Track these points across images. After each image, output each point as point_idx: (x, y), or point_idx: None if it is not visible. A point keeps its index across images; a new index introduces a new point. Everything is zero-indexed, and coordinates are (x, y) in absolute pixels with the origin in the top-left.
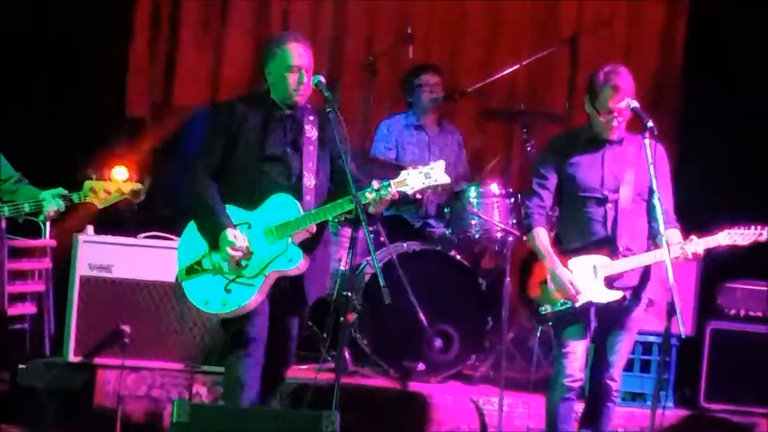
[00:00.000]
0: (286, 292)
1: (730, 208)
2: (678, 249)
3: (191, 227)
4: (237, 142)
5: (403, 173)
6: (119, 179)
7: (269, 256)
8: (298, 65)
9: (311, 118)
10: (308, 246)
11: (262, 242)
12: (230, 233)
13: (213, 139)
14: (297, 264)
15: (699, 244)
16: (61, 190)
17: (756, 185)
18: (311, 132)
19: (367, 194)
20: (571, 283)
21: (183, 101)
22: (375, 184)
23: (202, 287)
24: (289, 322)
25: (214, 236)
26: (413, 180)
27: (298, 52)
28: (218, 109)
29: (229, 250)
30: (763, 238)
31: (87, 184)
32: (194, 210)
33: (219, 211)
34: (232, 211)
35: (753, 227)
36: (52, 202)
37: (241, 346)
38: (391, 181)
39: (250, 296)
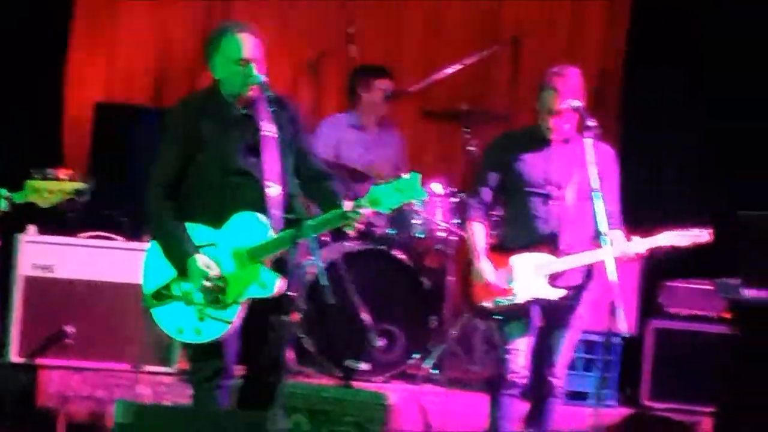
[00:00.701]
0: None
1: (675, 206)
2: (620, 249)
3: (155, 246)
4: (195, 151)
5: (375, 190)
6: (62, 179)
7: (242, 282)
8: (249, 57)
9: (268, 111)
10: (282, 264)
11: (233, 266)
12: (200, 262)
13: (167, 149)
14: (272, 290)
15: (640, 245)
16: (3, 191)
17: (703, 182)
18: (269, 129)
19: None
20: (496, 279)
21: (124, 99)
22: (347, 205)
23: (174, 315)
24: (267, 330)
25: (180, 264)
26: (388, 199)
27: (248, 43)
28: (171, 114)
29: (204, 282)
30: (703, 240)
31: (29, 184)
32: (154, 232)
33: (180, 236)
34: (195, 230)
35: (694, 229)
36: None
37: (210, 379)
38: (363, 200)
39: (225, 328)
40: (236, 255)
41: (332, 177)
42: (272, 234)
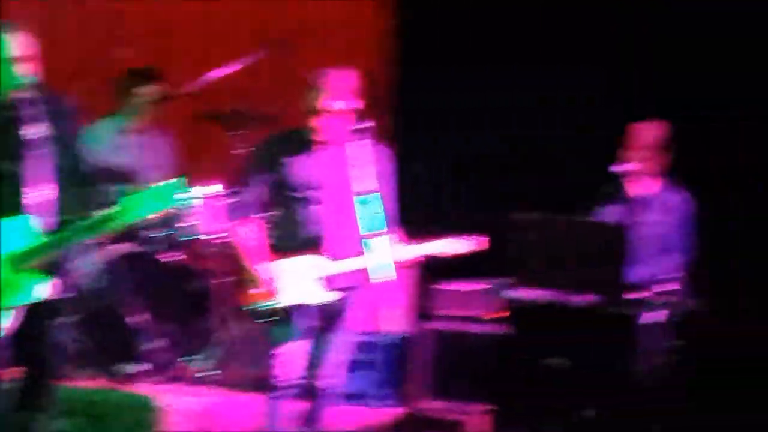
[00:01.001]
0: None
1: (447, 213)
2: (394, 254)
3: None
4: None
5: (134, 196)
6: None
7: (11, 288)
8: (17, 55)
9: (38, 112)
10: (55, 267)
11: (3, 270)
12: None
13: None
14: (42, 295)
15: (415, 251)
16: None
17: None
18: (38, 130)
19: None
20: (268, 281)
21: None
22: (108, 211)
23: None
24: (41, 333)
25: None
26: (147, 206)
27: (16, 42)
28: None
29: None
30: (477, 247)
31: None
32: None
33: None
34: None
35: (468, 236)
36: None
37: None
38: (123, 206)
39: None
40: (4, 260)
41: (102, 180)
42: (41, 238)
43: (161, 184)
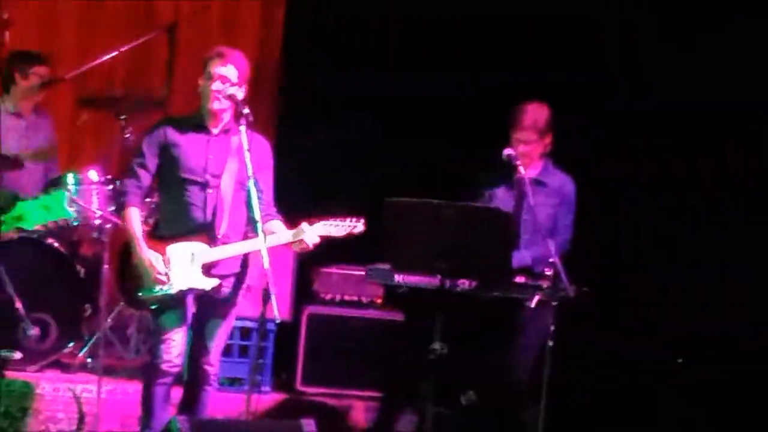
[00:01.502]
0: None
1: (328, 198)
2: (278, 238)
3: None
4: None
5: (21, 206)
6: None
7: None
8: None
9: None
10: None
11: None
12: None
13: None
14: None
15: (298, 235)
16: None
17: (354, 175)
18: None
19: None
20: (154, 267)
21: None
22: None
23: None
24: None
25: None
26: (33, 216)
27: None
28: None
29: None
30: (357, 231)
31: None
32: None
33: None
34: None
35: (348, 219)
36: None
37: None
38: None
39: None
40: None
41: None
42: None
43: (46, 195)
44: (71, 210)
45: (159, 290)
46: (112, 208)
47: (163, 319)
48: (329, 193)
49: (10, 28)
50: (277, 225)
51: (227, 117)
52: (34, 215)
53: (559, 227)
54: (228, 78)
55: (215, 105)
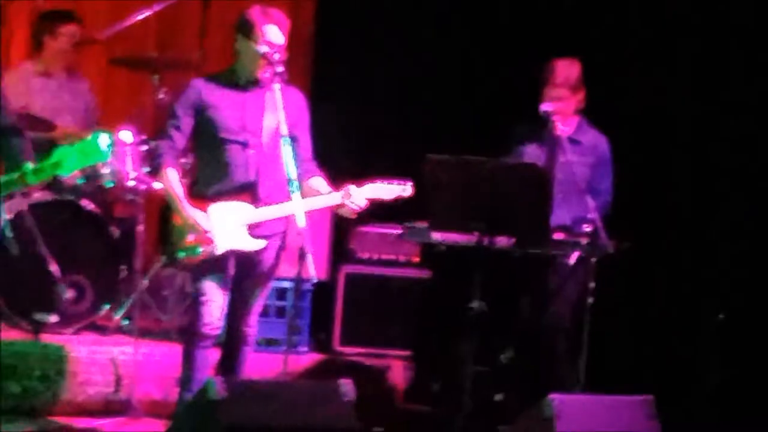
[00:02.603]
0: None
1: (368, 162)
2: (319, 200)
3: None
4: None
5: (57, 152)
6: None
7: None
8: None
9: None
10: None
11: None
12: None
13: None
14: None
15: (363, 194)
16: None
17: (392, 141)
18: None
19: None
20: (200, 225)
21: None
22: (30, 168)
23: None
24: None
25: None
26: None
27: None
28: None
29: None
30: (406, 194)
31: None
32: None
33: None
34: None
35: (396, 182)
36: None
37: None
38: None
39: None
40: None
41: (19, 132)
42: None
43: (83, 140)
44: (107, 153)
45: (201, 251)
46: (146, 169)
47: (204, 281)
48: (364, 153)
49: None
50: (320, 183)
51: (267, 73)
52: (71, 160)
53: (600, 189)
54: (276, 43)
55: (262, 71)
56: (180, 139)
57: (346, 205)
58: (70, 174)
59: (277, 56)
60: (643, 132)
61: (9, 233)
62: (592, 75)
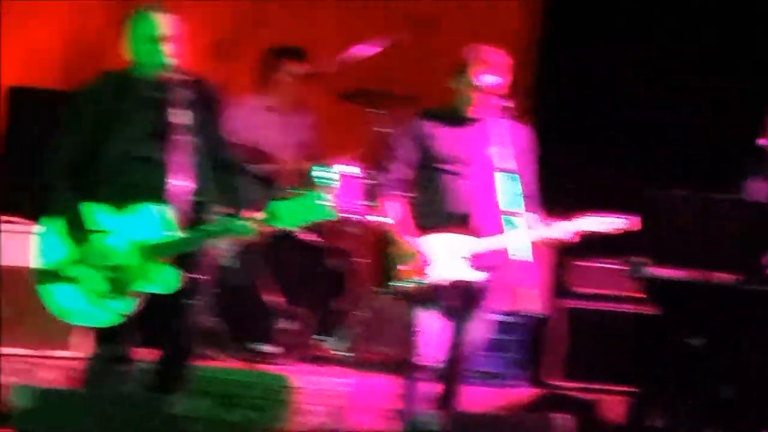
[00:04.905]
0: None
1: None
2: (540, 232)
3: (51, 223)
4: (100, 132)
5: (282, 205)
6: None
7: (138, 276)
8: (162, 34)
9: (182, 96)
10: (180, 261)
11: (130, 258)
12: (85, 246)
13: (71, 126)
14: (171, 288)
15: (563, 229)
16: None
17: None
18: (182, 116)
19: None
20: (422, 256)
21: (13, 82)
22: (250, 216)
23: (66, 296)
24: (174, 314)
25: (77, 242)
26: (293, 216)
27: (162, 21)
28: (80, 92)
29: (97, 268)
30: (624, 228)
31: None
32: (53, 207)
33: (75, 216)
34: (99, 212)
35: (615, 216)
36: None
37: (106, 364)
38: (268, 214)
39: (118, 317)
40: (135, 247)
41: (245, 171)
42: (175, 231)
43: (305, 195)
44: (330, 209)
45: (420, 281)
46: (368, 201)
47: (422, 312)
48: (586, 186)
49: (268, 22)
50: (537, 217)
51: (488, 107)
52: (295, 216)
53: None
54: (492, 88)
55: (476, 95)
56: (401, 172)
57: (561, 239)
58: (293, 228)
59: (495, 91)
60: None
61: (234, 264)
62: None
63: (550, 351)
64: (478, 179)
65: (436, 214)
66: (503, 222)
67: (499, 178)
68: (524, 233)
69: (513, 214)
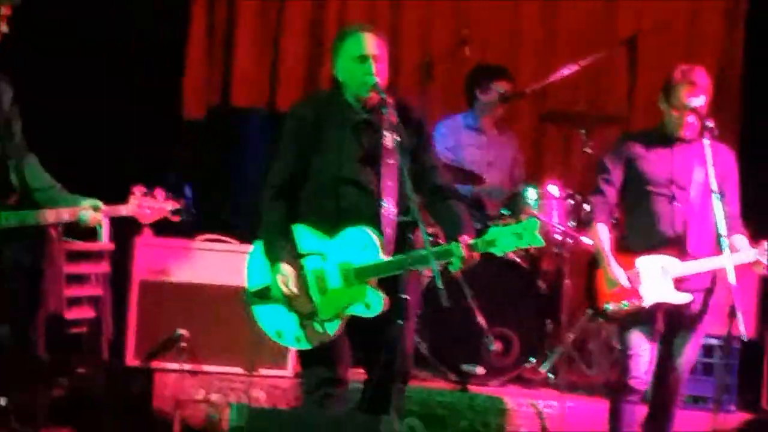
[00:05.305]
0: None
1: None
2: (745, 256)
3: (260, 245)
4: (312, 154)
5: (493, 231)
6: (158, 199)
7: (345, 299)
8: (370, 54)
9: (391, 119)
10: (388, 283)
11: (338, 281)
12: (281, 272)
13: (286, 149)
14: (376, 311)
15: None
16: (98, 203)
17: None
18: (390, 139)
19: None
20: (627, 280)
21: (240, 103)
22: (463, 244)
23: (274, 317)
24: (383, 335)
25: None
26: (504, 242)
27: (370, 41)
28: (293, 113)
29: (282, 286)
30: None
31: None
32: (260, 231)
33: (277, 239)
34: (307, 235)
35: None
36: (87, 214)
37: (318, 387)
38: (479, 241)
39: (324, 339)
40: (343, 270)
41: (456, 195)
42: (382, 255)
43: (520, 222)
44: (541, 236)
45: (629, 305)
46: (573, 222)
47: (631, 334)
48: None
49: (470, 44)
50: (742, 241)
51: (696, 128)
52: (506, 242)
53: None
54: (700, 108)
55: (684, 133)
56: (611, 193)
57: (762, 262)
58: (502, 253)
59: (702, 112)
60: None
61: (440, 285)
62: None
63: (761, 375)
64: (693, 201)
65: (649, 236)
66: (715, 244)
67: (707, 199)
68: (731, 256)
69: (721, 235)
